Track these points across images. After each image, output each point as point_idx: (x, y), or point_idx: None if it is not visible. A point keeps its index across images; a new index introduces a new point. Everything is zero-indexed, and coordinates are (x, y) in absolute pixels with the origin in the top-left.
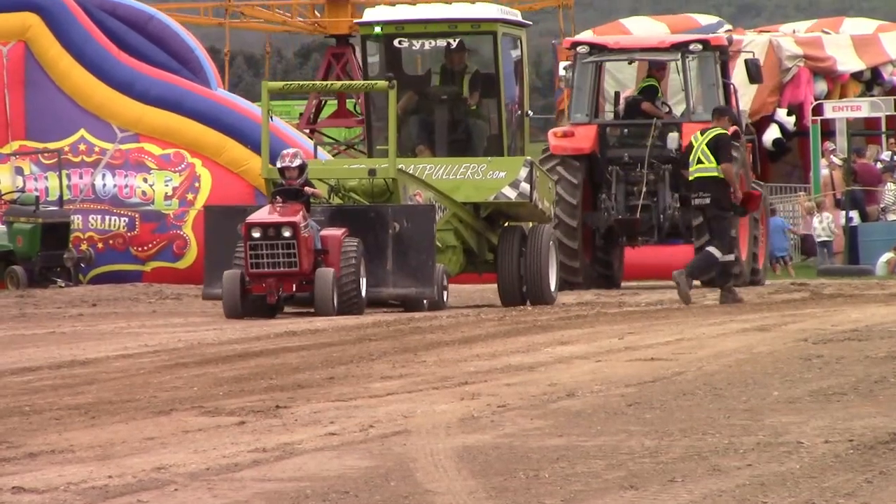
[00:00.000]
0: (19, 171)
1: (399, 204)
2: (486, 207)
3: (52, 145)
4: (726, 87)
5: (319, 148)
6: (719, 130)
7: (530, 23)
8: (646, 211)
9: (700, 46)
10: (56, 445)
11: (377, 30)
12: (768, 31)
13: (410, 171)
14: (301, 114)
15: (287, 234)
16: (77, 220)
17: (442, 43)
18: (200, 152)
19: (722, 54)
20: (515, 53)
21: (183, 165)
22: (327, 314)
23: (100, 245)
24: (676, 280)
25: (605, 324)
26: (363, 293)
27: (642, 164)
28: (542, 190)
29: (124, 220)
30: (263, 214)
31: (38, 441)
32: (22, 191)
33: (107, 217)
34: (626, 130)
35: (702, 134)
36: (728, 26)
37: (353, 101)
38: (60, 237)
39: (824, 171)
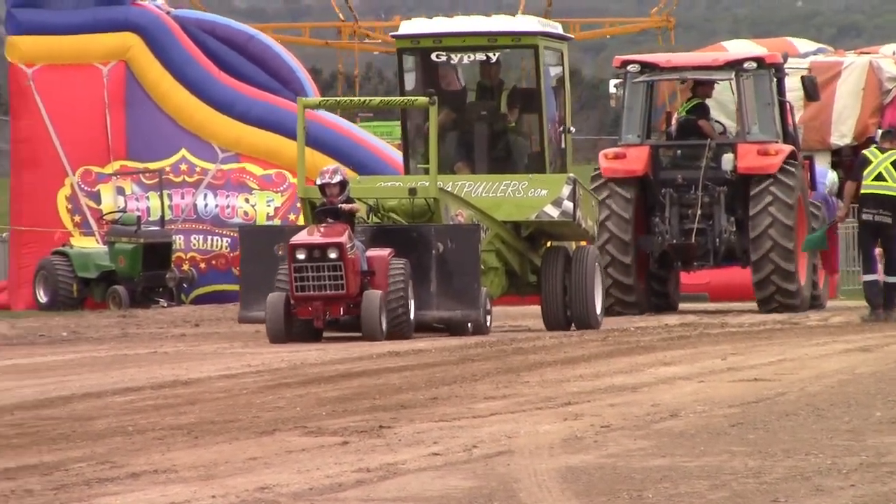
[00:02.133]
0: (121, 191)
1: (443, 224)
2: (527, 227)
3: (153, 165)
4: (782, 105)
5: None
6: None
7: (572, 36)
8: (701, 235)
9: (755, 64)
10: (159, 465)
11: (413, 43)
12: (868, 53)
13: (449, 189)
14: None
15: (333, 255)
16: (179, 240)
17: (482, 57)
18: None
19: (777, 72)
20: (557, 68)
21: (285, 185)
22: (375, 338)
23: (202, 265)
24: (879, 318)
25: (707, 344)
26: (412, 315)
27: (696, 186)
28: (586, 209)
29: (226, 241)
30: (307, 235)
31: (141, 461)
32: (123, 211)
33: (209, 237)
34: (679, 152)
35: (881, 152)
36: (829, 51)
37: None
38: (162, 257)
39: None
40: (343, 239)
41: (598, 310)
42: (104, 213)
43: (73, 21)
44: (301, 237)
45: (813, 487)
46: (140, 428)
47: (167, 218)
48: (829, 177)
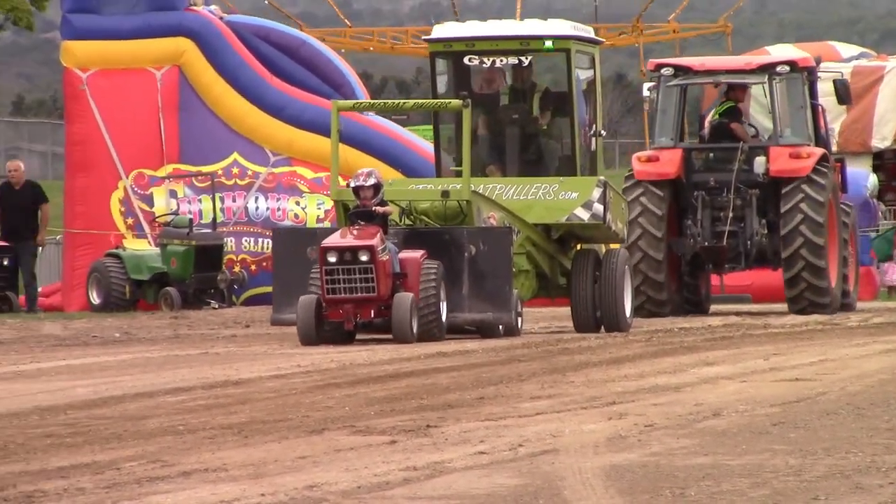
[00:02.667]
0: (173, 193)
1: (475, 226)
2: (557, 229)
3: (205, 168)
4: (814, 108)
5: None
6: None
7: (603, 40)
8: (732, 237)
9: (787, 68)
10: (209, 464)
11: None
12: None
13: (480, 192)
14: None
15: (364, 258)
16: (230, 242)
17: (513, 60)
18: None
19: (809, 75)
20: (588, 71)
21: None
22: (406, 341)
23: (253, 267)
24: None
25: (750, 345)
26: (444, 318)
27: (728, 188)
28: (616, 211)
29: None
30: (338, 238)
31: (192, 460)
32: (176, 213)
33: (259, 239)
34: (711, 155)
35: None
36: (871, 55)
37: None
38: (214, 259)
39: None
40: (374, 242)
41: (628, 312)
42: (157, 215)
43: (128, 26)
44: (332, 240)
45: (853, 485)
46: (191, 427)
47: (219, 220)
48: (870, 179)
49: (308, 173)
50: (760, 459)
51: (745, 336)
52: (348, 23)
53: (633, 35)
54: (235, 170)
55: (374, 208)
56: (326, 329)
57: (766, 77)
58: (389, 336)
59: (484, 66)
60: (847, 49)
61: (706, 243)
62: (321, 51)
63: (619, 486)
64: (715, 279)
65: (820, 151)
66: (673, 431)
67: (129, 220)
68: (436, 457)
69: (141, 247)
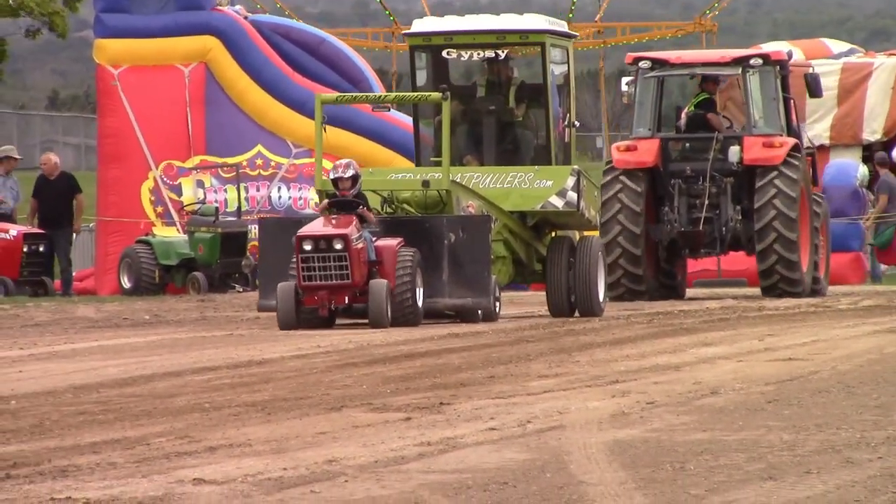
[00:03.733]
0: (200, 183)
1: (454, 215)
2: (533, 216)
3: (230, 160)
4: (786, 101)
5: None
6: None
7: (577, 34)
8: (708, 223)
9: (760, 61)
10: (234, 440)
11: (425, 40)
12: None
13: (459, 181)
14: None
15: (338, 246)
16: (254, 229)
17: (490, 54)
18: (370, 167)
19: (782, 69)
20: (563, 65)
21: None
22: (381, 326)
23: None
24: None
25: (745, 326)
26: (419, 304)
27: (704, 177)
28: (589, 198)
29: None
30: (316, 227)
31: (218, 436)
32: (203, 202)
33: None
34: (688, 144)
35: None
36: (860, 52)
37: None
38: (238, 245)
39: None
40: (349, 230)
41: (601, 297)
42: (185, 204)
43: (157, 25)
44: (308, 228)
45: (843, 459)
46: (217, 405)
47: (243, 209)
48: (860, 170)
49: (328, 164)
50: (756, 435)
51: (741, 318)
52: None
53: (635, 34)
54: (259, 161)
55: (360, 209)
56: (305, 315)
57: (741, 69)
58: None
59: (462, 59)
60: (837, 46)
61: (683, 229)
62: (340, 48)
63: (622, 460)
64: (713, 264)
65: (792, 141)
66: (673, 408)
67: (159, 209)
68: (448, 433)
69: (170, 234)
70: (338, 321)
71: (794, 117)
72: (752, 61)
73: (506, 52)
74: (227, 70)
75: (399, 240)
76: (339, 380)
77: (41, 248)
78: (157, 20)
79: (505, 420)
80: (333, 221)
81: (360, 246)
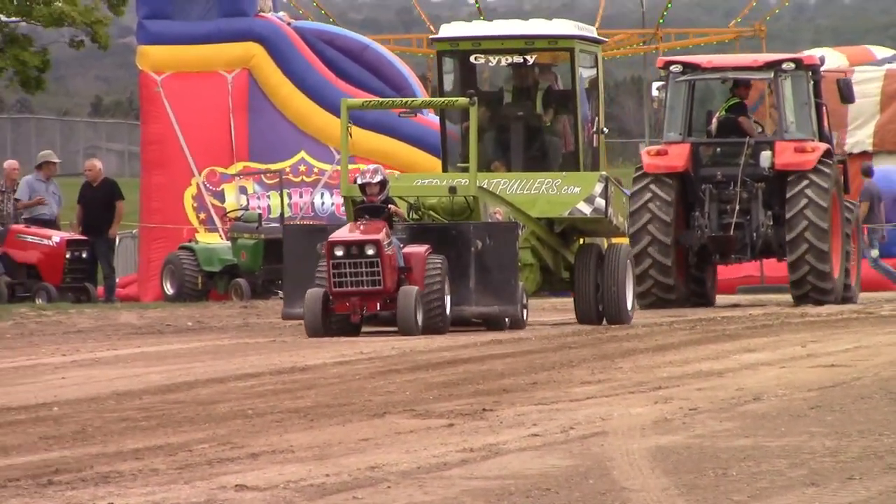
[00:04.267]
0: (243, 190)
1: (481, 221)
2: (560, 223)
3: (273, 166)
4: (818, 106)
5: None
6: None
7: (606, 39)
8: (739, 229)
9: (793, 65)
10: (277, 446)
11: (453, 45)
12: None
13: (485, 186)
14: None
15: (370, 252)
16: None
17: (518, 59)
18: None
19: (814, 74)
20: (591, 70)
21: None
22: (410, 333)
23: None
24: None
25: (788, 332)
26: (448, 311)
27: (735, 182)
28: (617, 205)
29: None
30: (346, 233)
31: (260, 442)
32: (245, 209)
33: None
34: (718, 149)
35: None
36: None
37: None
38: (281, 252)
39: None
40: (380, 236)
41: (629, 305)
42: (228, 210)
43: (200, 32)
44: (339, 234)
45: (885, 465)
46: (259, 411)
47: (286, 215)
48: None
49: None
50: (798, 441)
51: (784, 324)
52: (483, 15)
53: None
54: (302, 167)
55: (388, 207)
56: (333, 322)
57: (772, 74)
58: (395, 329)
59: (490, 64)
60: (881, 52)
61: (713, 234)
62: (383, 54)
63: (664, 467)
64: (756, 270)
65: (824, 146)
66: (716, 415)
67: (202, 215)
68: (491, 439)
69: (212, 240)
70: (364, 329)
71: (825, 123)
72: (784, 66)
73: (534, 57)
74: (270, 76)
75: (427, 247)
76: (381, 386)
77: (84, 255)
78: (200, 27)
79: (548, 426)
80: (361, 227)
81: (391, 252)
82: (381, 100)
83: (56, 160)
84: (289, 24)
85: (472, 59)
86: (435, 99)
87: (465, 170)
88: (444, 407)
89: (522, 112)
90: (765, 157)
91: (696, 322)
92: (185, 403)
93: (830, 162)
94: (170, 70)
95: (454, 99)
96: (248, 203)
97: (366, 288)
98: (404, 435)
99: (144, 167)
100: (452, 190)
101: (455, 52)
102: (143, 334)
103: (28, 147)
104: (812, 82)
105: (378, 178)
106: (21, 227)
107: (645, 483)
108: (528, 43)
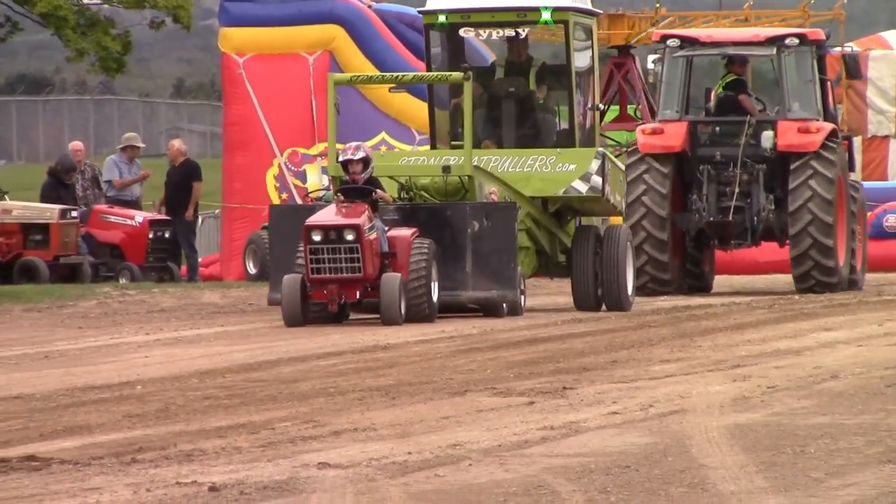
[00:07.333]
0: (325, 170)
1: (478, 202)
2: (554, 202)
3: None
4: (823, 83)
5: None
6: None
7: (601, 12)
8: (738, 213)
9: (796, 41)
10: (359, 424)
11: (441, 18)
12: None
13: (476, 164)
14: None
15: (350, 237)
16: None
17: (510, 32)
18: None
19: (819, 49)
20: (587, 43)
21: None
22: (394, 322)
23: None
24: None
25: (865, 311)
26: (434, 298)
27: (735, 163)
28: (614, 183)
29: None
30: (326, 215)
31: (343, 420)
32: (327, 189)
33: None
34: (717, 128)
35: None
36: None
37: (634, 106)
38: None
39: None
40: (361, 220)
41: (630, 290)
42: (309, 191)
43: (282, 14)
44: (318, 217)
45: None
46: (341, 389)
47: None
48: None
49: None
50: (875, 419)
51: (861, 303)
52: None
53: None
54: (383, 148)
55: (374, 191)
56: (313, 310)
57: (775, 49)
58: (378, 317)
59: (480, 37)
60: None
61: (711, 218)
62: (464, 36)
63: (742, 444)
64: (784, 254)
65: (829, 126)
66: (793, 393)
67: (284, 196)
68: (571, 417)
69: None
70: (350, 316)
71: (830, 101)
72: (787, 41)
73: (526, 30)
74: (351, 58)
75: (413, 230)
76: (462, 364)
77: (166, 235)
78: (281, 9)
79: (627, 404)
80: (344, 210)
81: (372, 237)
82: (370, 75)
83: (140, 144)
84: (369, 6)
85: (460, 32)
86: (428, 73)
87: (457, 147)
88: (524, 385)
89: (514, 88)
90: (766, 137)
91: (775, 300)
92: (267, 382)
93: (836, 141)
94: (251, 52)
95: (447, 74)
96: (330, 183)
97: (345, 275)
98: (485, 413)
99: (226, 148)
100: (446, 169)
101: (443, 26)
102: (226, 313)
103: (111, 128)
104: (817, 58)
105: (360, 155)
106: (104, 206)
107: (723, 460)
108: (519, 15)
